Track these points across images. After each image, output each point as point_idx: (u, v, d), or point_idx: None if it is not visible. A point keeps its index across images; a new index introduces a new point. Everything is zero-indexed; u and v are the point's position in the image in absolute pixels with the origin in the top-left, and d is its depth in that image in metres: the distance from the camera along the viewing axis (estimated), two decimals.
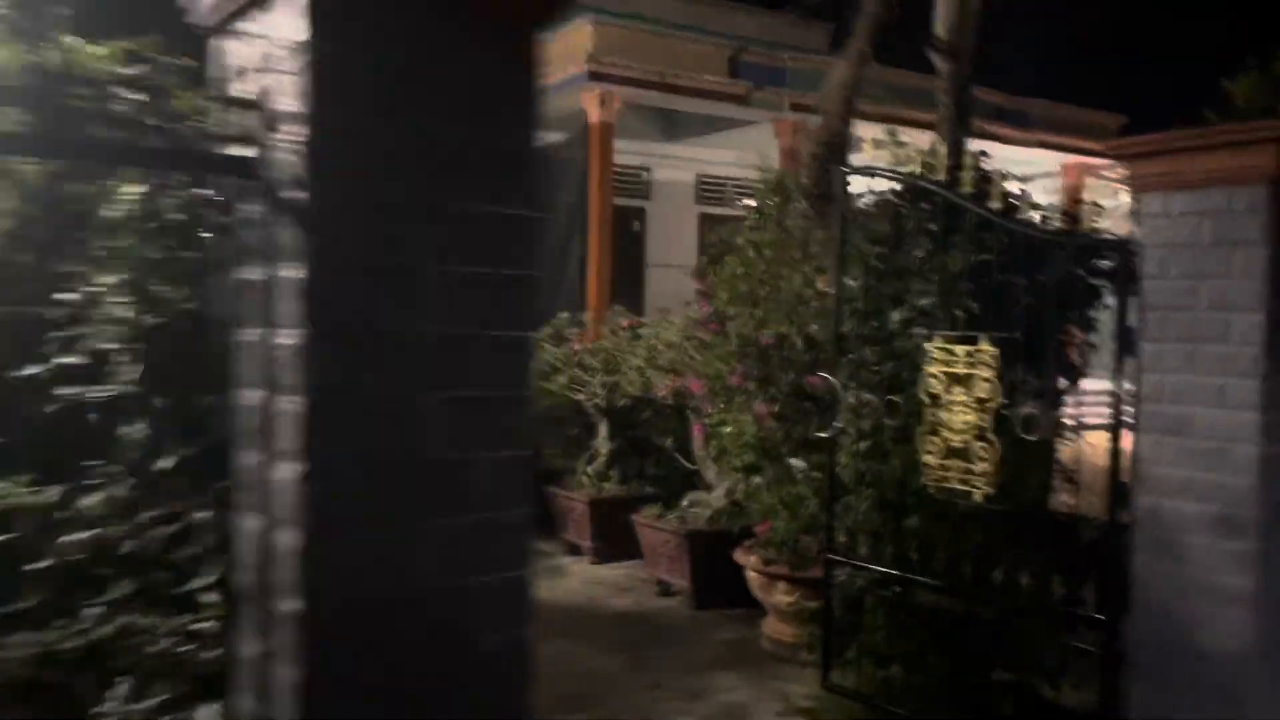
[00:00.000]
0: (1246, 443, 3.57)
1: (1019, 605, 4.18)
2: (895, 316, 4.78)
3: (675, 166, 16.35)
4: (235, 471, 1.90)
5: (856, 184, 5.09)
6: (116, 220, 2.16)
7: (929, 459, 4.48)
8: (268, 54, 1.78)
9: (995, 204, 4.27)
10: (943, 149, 4.78)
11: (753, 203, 6.44)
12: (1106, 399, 3.93)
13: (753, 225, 6.22)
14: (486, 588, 1.92)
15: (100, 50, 2.20)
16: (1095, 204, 4.54)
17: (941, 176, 4.59)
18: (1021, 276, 4.39)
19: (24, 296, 2.16)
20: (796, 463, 5.70)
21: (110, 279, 2.14)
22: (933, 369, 4.47)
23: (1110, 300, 4.11)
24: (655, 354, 7.10)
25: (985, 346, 4.28)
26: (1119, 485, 3.92)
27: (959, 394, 4.37)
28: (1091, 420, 4.17)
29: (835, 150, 5.59)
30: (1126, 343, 3.90)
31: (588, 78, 12.47)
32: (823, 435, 4.98)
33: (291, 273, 1.69)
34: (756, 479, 5.80)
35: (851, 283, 4.95)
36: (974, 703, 4.40)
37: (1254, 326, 3.55)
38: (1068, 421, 4.21)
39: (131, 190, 2.15)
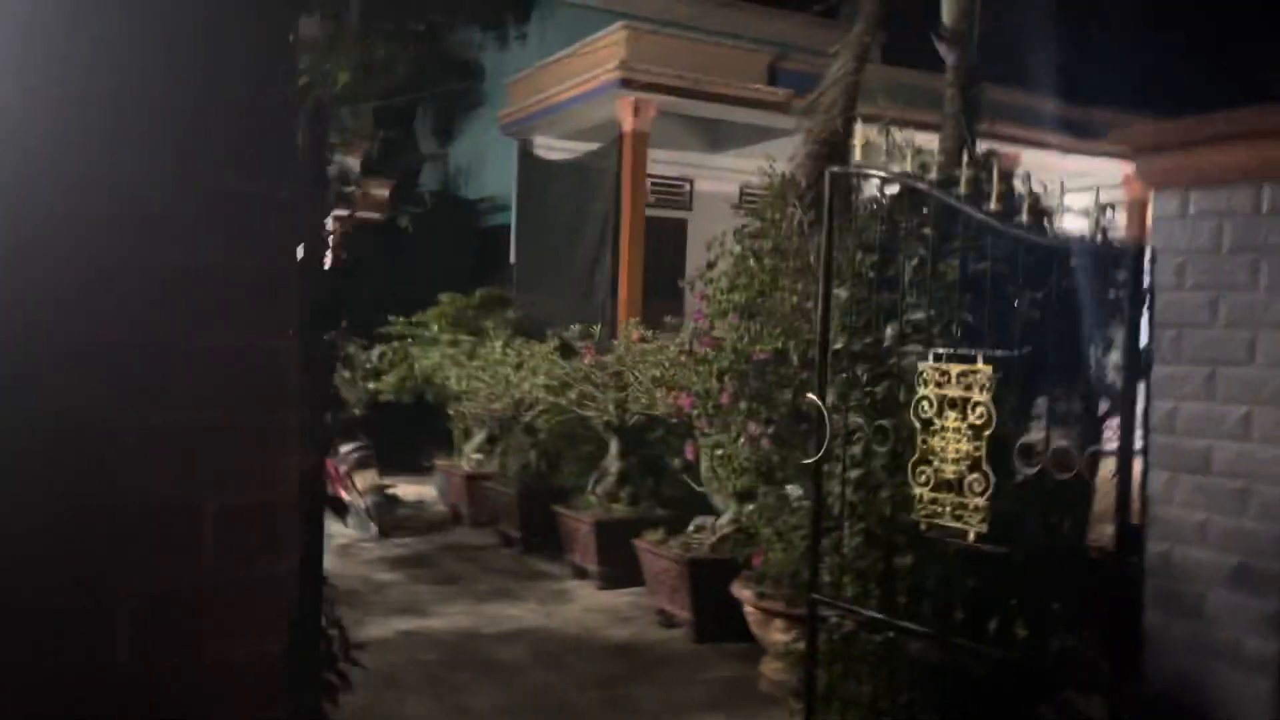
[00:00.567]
0: (1273, 483, 3.04)
1: (1014, 660, 3.67)
2: (889, 332, 4.31)
3: (718, 178, 15.90)
4: None
5: (856, 188, 4.64)
6: None
7: (920, 491, 4.00)
8: None
9: (993, 205, 3.78)
10: (947, 149, 4.30)
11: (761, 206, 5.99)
12: (1114, 428, 3.42)
13: (752, 233, 5.79)
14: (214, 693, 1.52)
15: None
16: (1111, 208, 4.05)
17: (953, 179, 4.12)
18: (1027, 288, 3.91)
19: None
20: (793, 489, 5.24)
21: None
22: (925, 390, 3.99)
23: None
24: (657, 369, 6.68)
25: (981, 366, 3.79)
26: (1128, 529, 3.41)
27: (952, 419, 3.89)
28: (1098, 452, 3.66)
29: (835, 151, 5.14)
30: (1136, 364, 3.39)
31: (620, 85, 12.14)
32: (806, 461, 4.52)
33: None
34: (749, 506, 5.34)
35: (841, 293, 4.49)
36: None
37: None
38: (1070, 452, 3.69)
39: None
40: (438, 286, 12.11)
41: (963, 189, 3.88)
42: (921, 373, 4.00)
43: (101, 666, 1.43)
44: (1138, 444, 3.41)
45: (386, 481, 10.79)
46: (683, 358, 6.05)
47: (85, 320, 1.38)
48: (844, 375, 4.51)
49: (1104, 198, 3.74)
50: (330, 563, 8.57)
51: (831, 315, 4.55)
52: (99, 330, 1.39)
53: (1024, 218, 3.67)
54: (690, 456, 6.56)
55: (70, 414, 1.38)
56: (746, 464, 5.42)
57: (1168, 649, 3.29)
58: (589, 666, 6.14)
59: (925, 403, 3.98)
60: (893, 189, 4.40)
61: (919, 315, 4.15)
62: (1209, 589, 3.19)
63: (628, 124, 12.51)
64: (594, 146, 13.42)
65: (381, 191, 13.47)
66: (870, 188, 4.70)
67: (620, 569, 7.72)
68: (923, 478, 3.98)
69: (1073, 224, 4.11)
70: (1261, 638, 3.04)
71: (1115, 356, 3.88)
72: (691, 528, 7.02)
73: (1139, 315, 3.39)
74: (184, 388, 1.44)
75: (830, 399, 4.57)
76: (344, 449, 10.11)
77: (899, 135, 4.24)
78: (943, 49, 4.77)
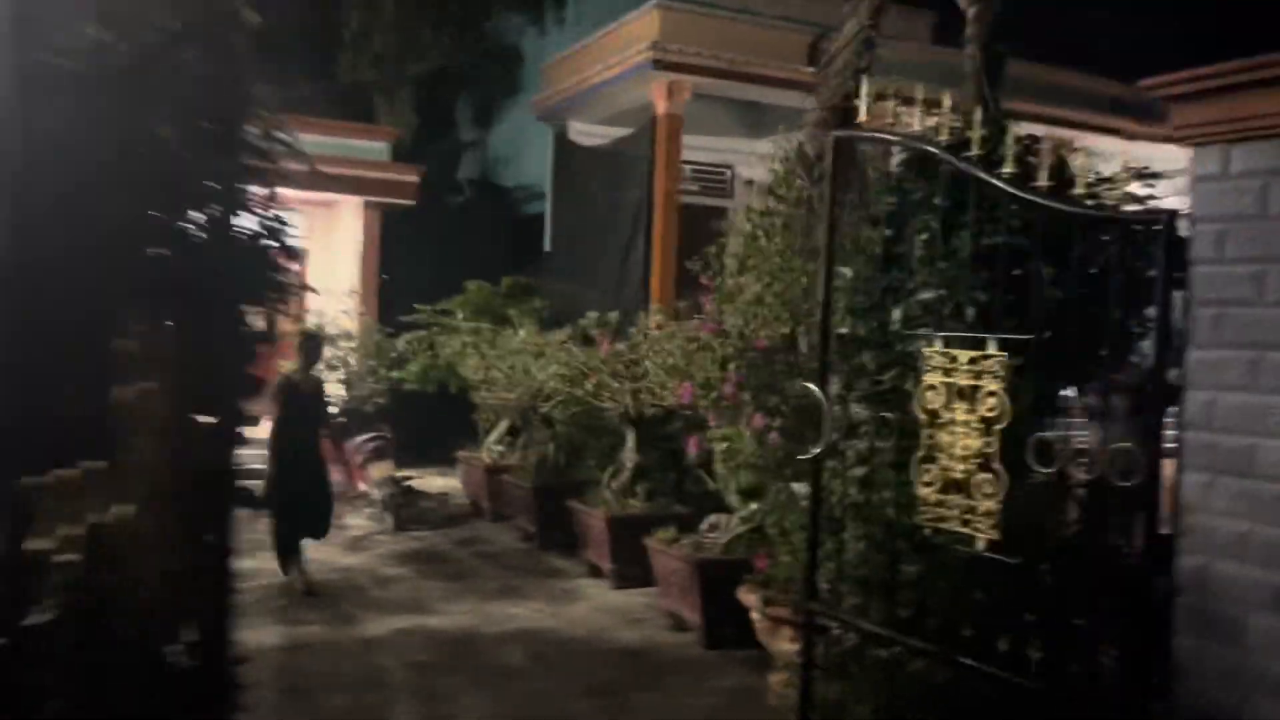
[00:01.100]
0: None
1: (1027, 686, 3.22)
2: (896, 314, 3.88)
3: (761, 164, 15.42)
4: None
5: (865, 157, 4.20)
6: None
7: (925, 492, 3.56)
8: None
9: (1007, 169, 3.33)
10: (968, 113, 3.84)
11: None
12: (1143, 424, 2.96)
13: (763, 210, 5.37)
14: None
15: None
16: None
17: (965, 141, 3.66)
18: (1048, 263, 3.46)
19: None
20: (799, 487, 4.81)
21: None
22: (932, 379, 3.55)
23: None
24: (672, 358, 6.28)
25: (993, 352, 3.34)
26: (1156, 540, 2.95)
27: (961, 411, 3.45)
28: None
29: (847, 118, 4.70)
30: (1168, 349, 2.92)
31: (652, 66, 11.72)
32: (803, 458, 4.10)
33: None
34: (753, 505, 4.93)
35: (846, 272, 4.06)
36: None
37: None
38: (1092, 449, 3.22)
39: None
40: (475, 276, 11.85)
41: (975, 150, 3.43)
42: (928, 358, 3.57)
43: None
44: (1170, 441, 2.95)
45: (406, 473, 10.54)
46: (690, 345, 5.64)
47: None
48: (849, 362, 4.09)
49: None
50: (340, 556, 8.37)
51: (836, 296, 4.14)
52: None
53: (1043, 182, 3.21)
54: (694, 450, 6.16)
55: None
56: (753, 459, 5.01)
57: (1201, 678, 2.84)
58: (589, 672, 5.77)
59: (931, 392, 3.54)
60: (905, 157, 3.95)
61: (929, 295, 3.71)
62: (1250, 612, 2.73)
63: (661, 106, 12.10)
64: (628, 132, 13.04)
65: (411, 178, 13.24)
66: (885, 159, 4.27)
67: (635, 568, 7.35)
68: (928, 477, 3.55)
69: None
70: None
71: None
72: (705, 526, 6.62)
73: (1173, 292, 2.93)
74: None
75: (835, 389, 4.16)
76: (359, 439, 9.88)
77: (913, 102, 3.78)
78: (962, 1, 4.30)
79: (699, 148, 13.63)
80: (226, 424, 2.97)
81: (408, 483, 10.27)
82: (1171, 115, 2.92)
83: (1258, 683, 2.71)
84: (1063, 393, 3.61)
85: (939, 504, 3.51)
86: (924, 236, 3.82)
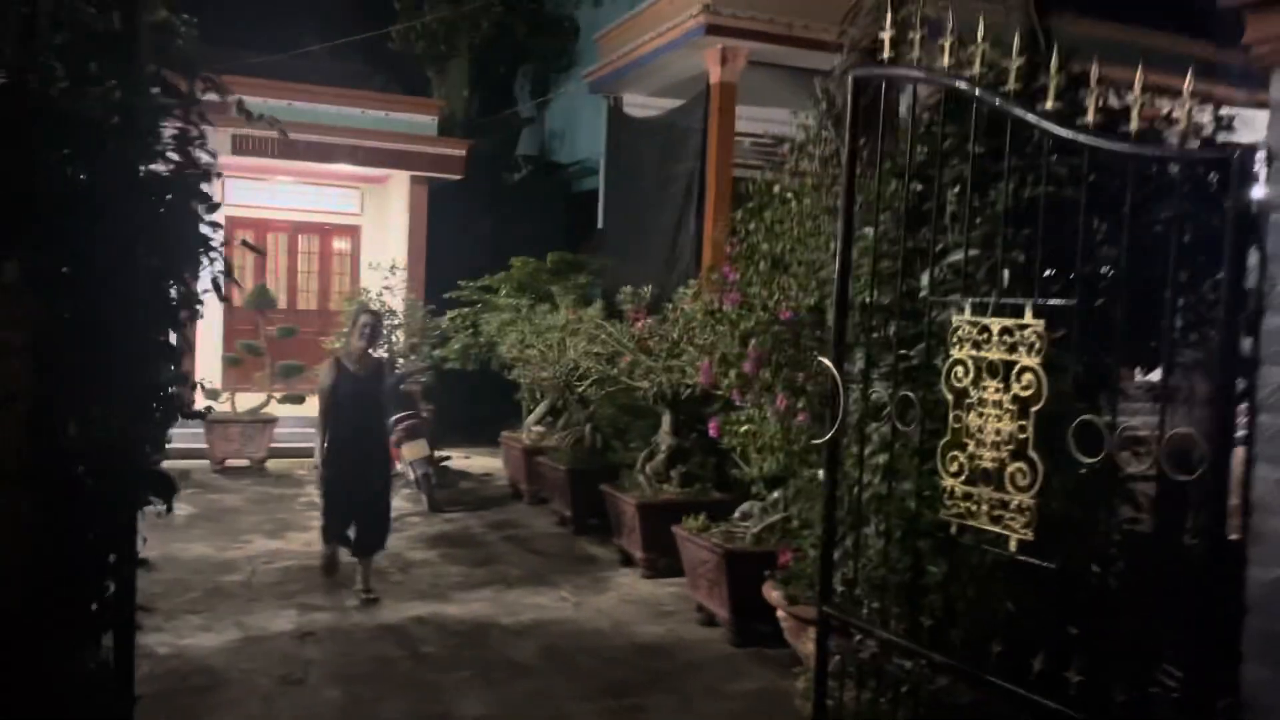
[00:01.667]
0: None
1: (1064, 714, 2.73)
2: (924, 280, 3.38)
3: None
4: None
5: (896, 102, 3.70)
6: None
7: (951, 483, 3.08)
8: None
9: (1050, 104, 2.81)
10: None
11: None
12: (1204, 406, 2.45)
13: (793, 170, 4.88)
14: None
15: None
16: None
17: (1002, 75, 3.15)
18: (1097, 216, 2.95)
19: None
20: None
21: None
22: (959, 353, 3.06)
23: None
24: (697, 334, 5.82)
25: (1030, 320, 2.84)
26: (1222, 546, 2.43)
27: (992, 390, 2.95)
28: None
29: (877, 59, 4.17)
30: (1238, 315, 2.40)
31: (705, 31, 11.20)
32: (817, 441, 3.64)
33: None
34: (775, 494, 4.48)
35: (868, 232, 3.57)
36: None
37: None
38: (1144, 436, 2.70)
39: None
40: (529, 254, 11.50)
41: (1012, 84, 2.92)
42: (955, 329, 3.07)
43: None
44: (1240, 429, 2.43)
45: (445, 453, 10.29)
46: (709, 318, 5.17)
47: None
48: (873, 335, 3.60)
49: None
50: None
51: (857, 260, 3.66)
52: None
53: (1092, 118, 2.69)
54: (714, 433, 5.70)
55: None
56: (776, 443, 4.55)
57: (1270, 715, 2.33)
58: (604, 669, 5.39)
59: (960, 368, 3.05)
60: (935, 99, 3.44)
61: (959, 256, 3.21)
62: None
63: (715, 74, 11.58)
64: (682, 103, 12.55)
65: (458, 151, 12.95)
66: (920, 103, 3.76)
67: (667, 557, 6.95)
68: (954, 466, 3.06)
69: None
70: None
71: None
72: (737, 515, 6.18)
73: (1245, 246, 2.40)
74: None
75: (857, 365, 3.69)
76: (392, 418, 9.61)
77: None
78: None
79: (756, 119, 13.07)
80: (134, 401, 2.63)
81: (445, 463, 10.01)
82: (1245, 29, 2.39)
83: None
84: (1113, 369, 3.07)
85: (966, 497, 3.03)
86: (956, 189, 3.32)
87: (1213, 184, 2.67)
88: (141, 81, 2.56)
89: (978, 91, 3.02)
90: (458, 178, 13.01)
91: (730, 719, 4.86)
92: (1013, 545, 2.88)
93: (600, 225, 14.47)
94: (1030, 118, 2.86)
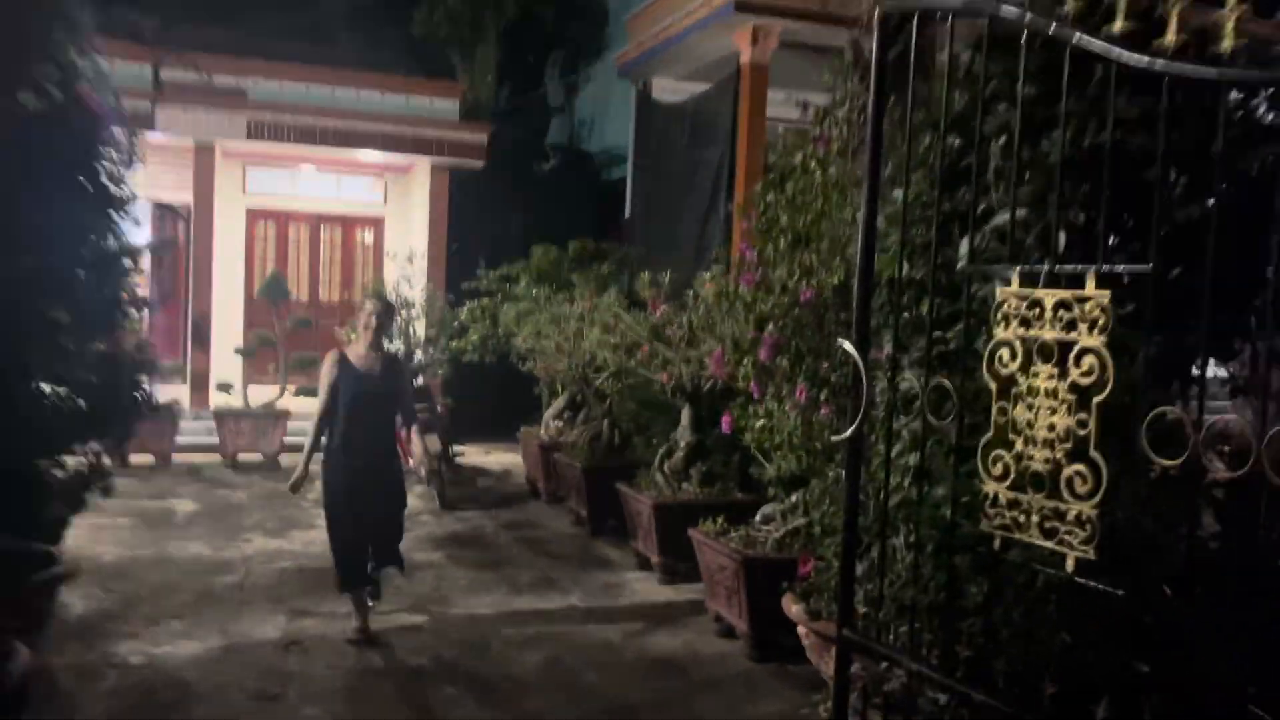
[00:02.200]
0: None
1: None
2: (963, 248, 2.88)
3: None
4: None
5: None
6: None
7: (994, 489, 2.57)
8: None
9: (1118, 26, 2.30)
10: None
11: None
12: None
13: (817, 137, 4.38)
14: None
15: None
16: None
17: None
18: (1176, 166, 2.44)
19: None
20: None
21: None
22: (1004, 332, 2.55)
23: None
24: (710, 321, 5.33)
25: (1092, 291, 2.33)
26: None
27: (1045, 377, 2.44)
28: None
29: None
30: None
31: (734, 9, 10.69)
32: (838, 438, 3.14)
33: None
34: (795, 496, 3.99)
35: (898, 194, 3.07)
36: None
37: None
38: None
39: None
40: (559, 245, 11.08)
41: (1070, 5, 2.40)
42: (1000, 304, 2.56)
43: None
44: None
45: (459, 449, 9.88)
46: (724, 300, 4.66)
47: None
48: (901, 315, 3.10)
49: None
50: None
51: (885, 229, 3.16)
52: None
53: (1173, 37, 2.18)
54: (727, 429, 5.21)
55: None
56: (795, 439, 4.06)
57: None
58: (610, 688, 4.93)
59: (1005, 351, 2.54)
60: (978, 37, 2.93)
61: (1005, 218, 2.70)
62: None
63: (745, 55, 11.07)
64: (711, 86, 12.05)
65: (478, 137, 12.53)
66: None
67: (685, 561, 6.46)
68: (999, 468, 2.55)
69: None
70: None
71: None
72: (758, 518, 5.68)
73: None
74: None
75: (885, 350, 3.19)
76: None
77: None
78: None
79: (791, 103, 12.55)
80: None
81: (458, 459, 9.60)
82: None
83: None
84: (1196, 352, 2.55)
85: (1013, 505, 2.52)
86: (1001, 140, 2.81)
87: None
88: None
89: (1028, 17, 2.51)
90: (479, 164, 12.59)
91: None
92: (1070, 564, 2.36)
93: (627, 214, 14.01)
94: (1095, 44, 2.34)
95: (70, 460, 4.83)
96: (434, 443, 8.77)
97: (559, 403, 9.60)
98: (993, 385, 2.57)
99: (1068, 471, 2.36)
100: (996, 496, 2.56)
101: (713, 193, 11.68)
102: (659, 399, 7.96)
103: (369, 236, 14.61)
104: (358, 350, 5.58)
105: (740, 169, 11.16)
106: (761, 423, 4.33)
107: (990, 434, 2.57)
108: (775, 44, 11.06)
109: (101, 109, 4.56)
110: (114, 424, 4.45)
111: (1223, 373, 2.92)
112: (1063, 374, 2.39)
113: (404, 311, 10.88)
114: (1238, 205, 2.39)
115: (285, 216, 13.99)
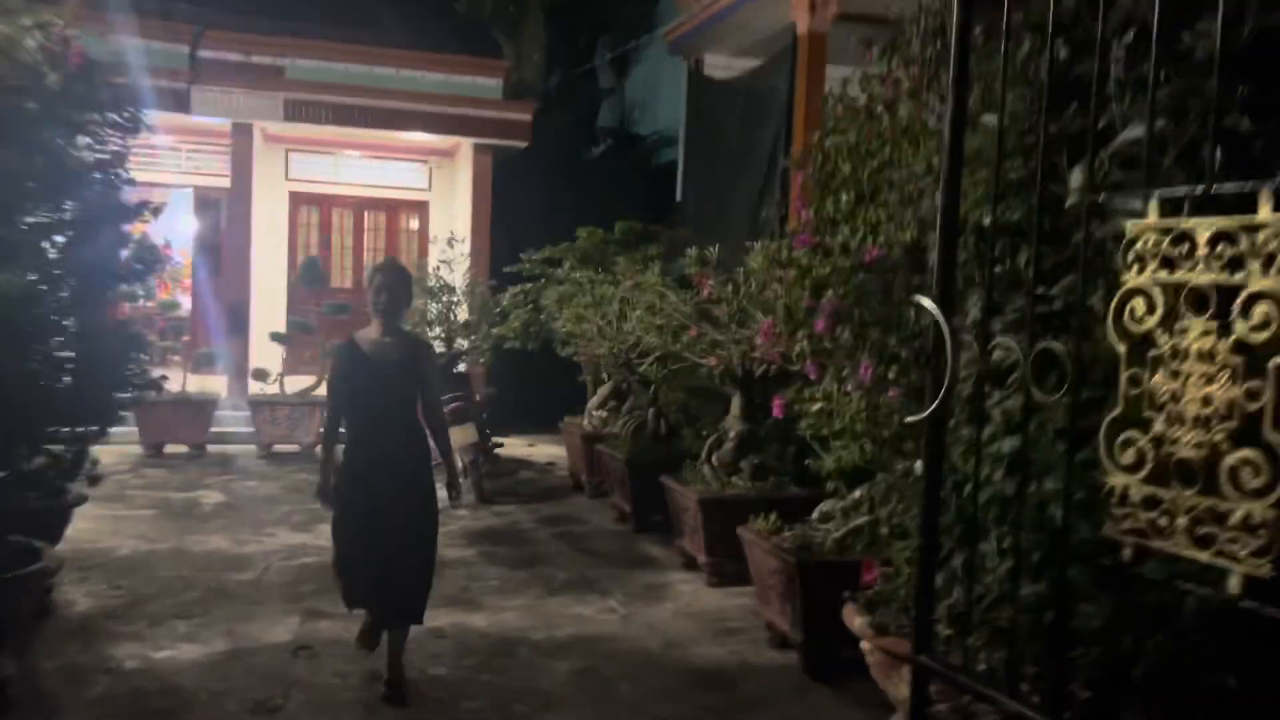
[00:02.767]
0: None
1: None
2: (1075, 179, 2.28)
3: None
4: None
5: None
6: None
7: (1123, 482, 1.97)
8: None
9: None
10: None
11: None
12: None
13: (881, 75, 3.79)
14: None
15: None
16: None
17: None
18: None
19: None
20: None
21: None
22: (1140, 279, 1.95)
23: None
24: (764, 296, 4.75)
25: (1267, 217, 1.73)
26: None
27: (1197, 333, 1.84)
28: None
29: None
30: None
31: None
32: (913, 419, 2.56)
33: None
34: (856, 493, 3.41)
35: (989, 120, 2.48)
36: None
37: None
38: None
39: None
40: (606, 228, 10.58)
41: None
42: (1132, 242, 1.96)
43: None
44: None
45: (498, 439, 9.41)
46: (778, 272, 4.06)
47: None
48: (993, 269, 2.51)
49: None
50: None
51: (973, 164, 2.57)
52: None
53: None
54: (778, 413, 4.63)
55: None
56: (859, 425, 3.48)
57: None
58: (648, 703, 4.39)
59: (1139, 302, 1.94)
60: None
61: (1136, 133, 2.11)
62: None
63: (802, 24, 10.44)
64: (765, 60, 11.44)
65: (522, 116, 12.05)
66: None
67: (736, 562, 5.89)
68: (1129, 456, 1.95)
69: None
70: None
71: None
72: (816, 515, 5.09)
73: None
74: None
75: (973, 314, 2.61)
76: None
77: None
78: None
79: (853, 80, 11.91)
80: None
81: (497, 450, 9.13)
82: None
83: None
84: None
85: (1150, 504, 1.92)
86: (1127, 38, 2.21)
87: None
88: None
89: None
90: (523, 144, 12.12)
91: None
92: (1234, 583, 1.77)
93: (679, 198, 13.45)
94: None
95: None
96: (470, 433, 8.32)
97: (603, 391, 9.09)
98: (1121, 347, 1.97)
99: (1232, 459, 1.77)
100: (1126, 492, 1.96)
101: (768, 173, 11.07)
102: (707, 386, 7.41)
103: (414, 222, 14.24)
104: (369, 334, 4.53)
105: (798, 147, 10.55)
106: (819, 406, 3.76)
107: (1118, 410, 1.98)
108: (835, 10, 10.40)
109: (83, 60, 4.12)
110: (98, 405, 4.01)
111: None
112: (1223, 329, 1.79)
113: (444, 297, 10.44)
114: None
115: (328, 201, 13.68)
